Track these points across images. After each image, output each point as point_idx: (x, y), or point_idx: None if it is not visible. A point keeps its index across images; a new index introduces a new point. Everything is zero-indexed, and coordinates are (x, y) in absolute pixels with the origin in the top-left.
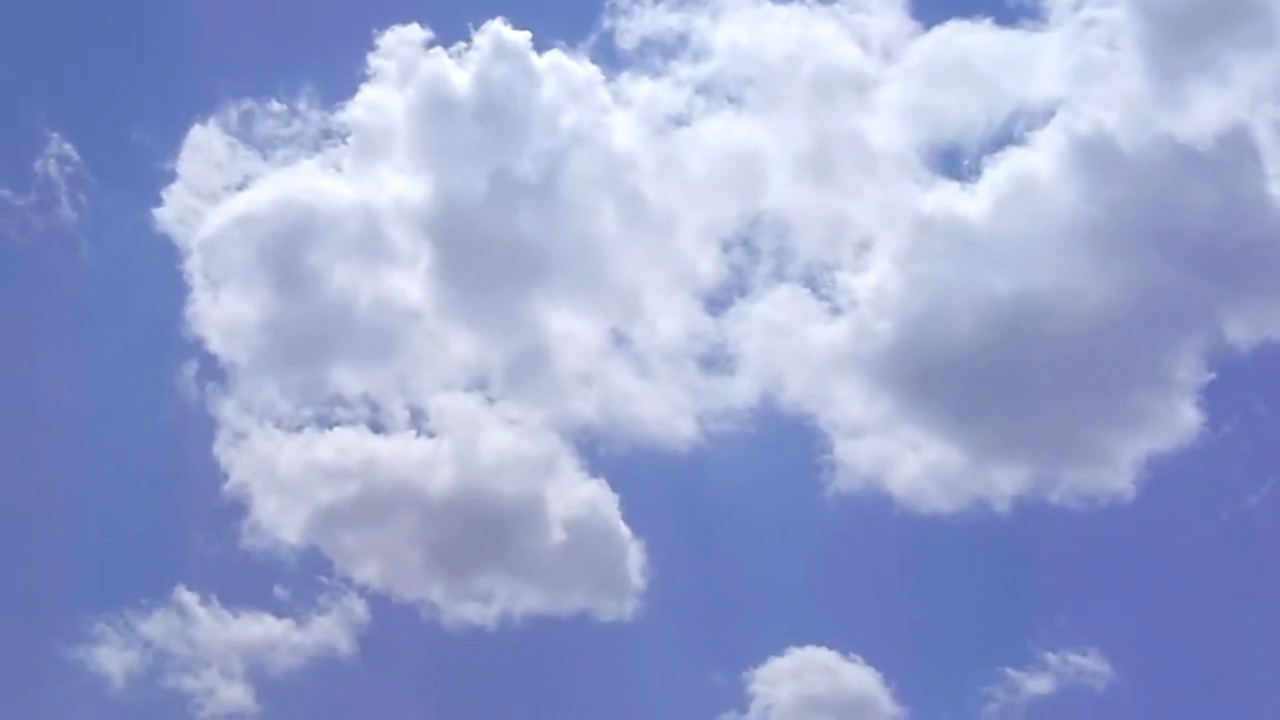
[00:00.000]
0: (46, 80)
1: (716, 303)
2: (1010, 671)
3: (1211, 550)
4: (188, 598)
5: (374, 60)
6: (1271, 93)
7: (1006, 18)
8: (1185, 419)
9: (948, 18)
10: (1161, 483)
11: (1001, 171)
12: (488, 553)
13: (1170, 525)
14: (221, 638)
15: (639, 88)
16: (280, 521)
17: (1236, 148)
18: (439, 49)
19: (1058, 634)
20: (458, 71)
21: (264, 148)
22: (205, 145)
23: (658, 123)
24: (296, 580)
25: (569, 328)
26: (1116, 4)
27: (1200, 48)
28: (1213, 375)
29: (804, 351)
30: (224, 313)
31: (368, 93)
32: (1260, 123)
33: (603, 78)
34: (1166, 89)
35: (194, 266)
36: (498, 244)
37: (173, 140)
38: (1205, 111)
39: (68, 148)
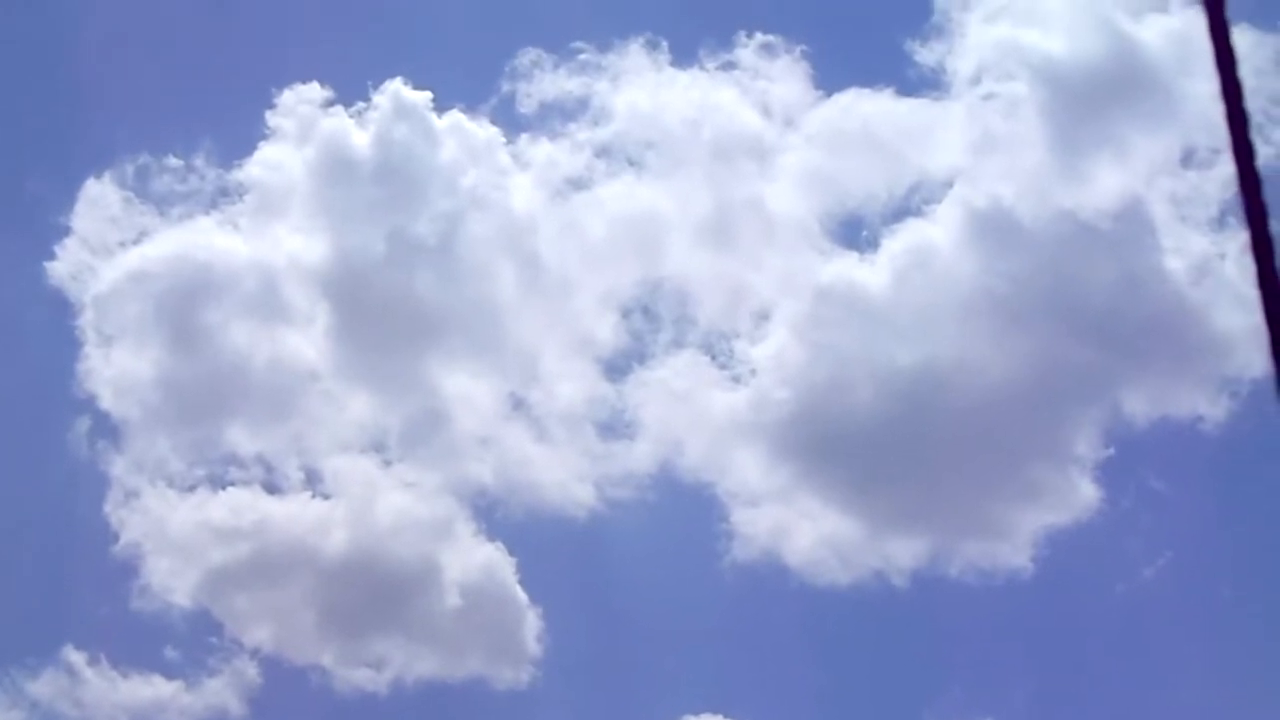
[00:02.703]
0: None
1: (615, 368)
2: None
3: (1108, 624)
4: (76, 657)
5: (273, 118)
6: (1168, 167)
7: (907, 88)
8: (1082, 493)
9: (849, 85)
10: (1059, 557)
11: (900, 242)
12: (382, 616)
13: (1067, 599)
14: (110, 699)
15: (538, 149)
16: (171, 582)
17: (1134, 222)
18: (338, 108)
19: (954, 706)
20: (357, 131)
21: (160, 203)
22: (100, 199)
23: (557, 185)
24: (187, 642)
25: (467, 390)
26: (1017, 77)
27: (1098, 121)
28: (1110, 450)
29: (703, 419)
30: (117, 370)
31: (266, 150)
32: (1157, 197)
33: (503, 139)
34: (1065, 162)
35: (87, 322)
36: (396, 305)
37: (67, 193)
38: (1103, 185)
39: None
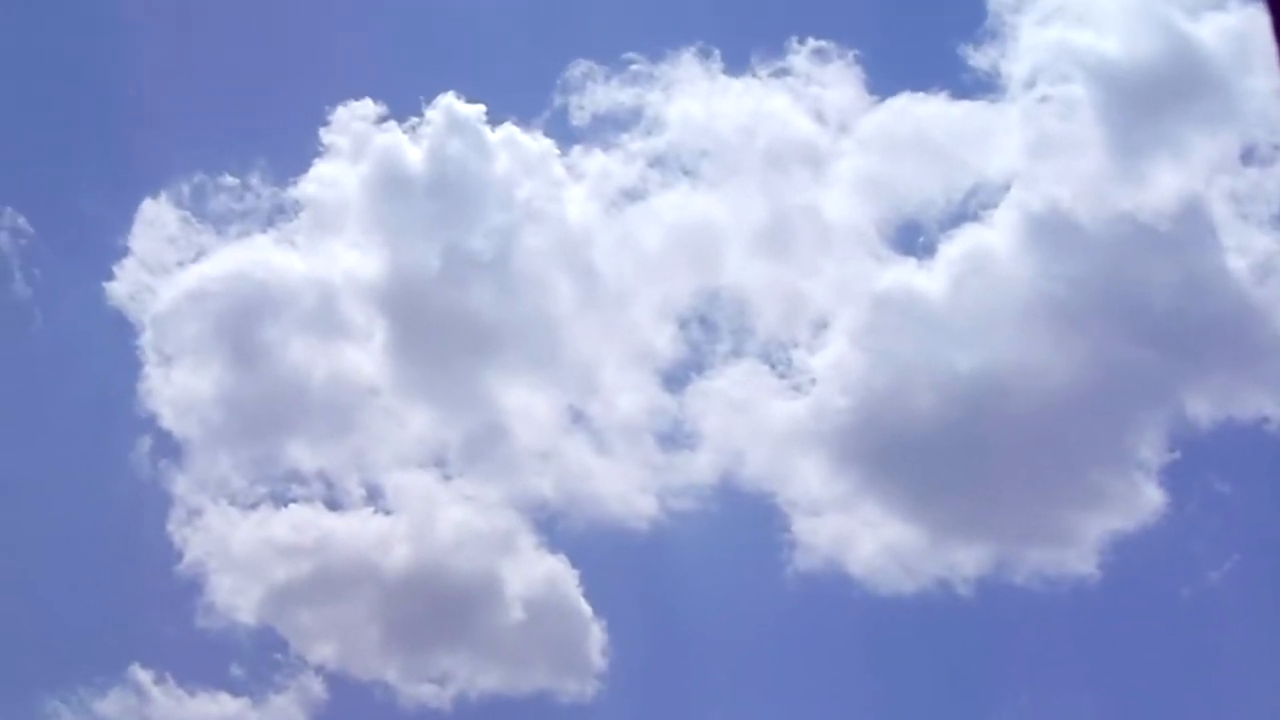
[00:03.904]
0: None
1: (674, 379)
2: None
3: (1175, 629)
4: (143, 676)
5: (327, 135)
6: (1228, 165)
7: (962, 91)
8: (1147, 498)
9: (902, 90)
10: (1124, 562)
11: (958, 247)
12: (445, 631)
13: (1133, 605)
14: (177, 716)
15: (592, 161)
16: (235, 600)
17: (1194, 221)
18: (392, 123)
19: (1021, 715)
20: (411, 146)
21: (217, 222)
22: (157, 219)
23: (612, 196)
24: (252, 659)
25: (526, 404)
26: (1072, 79)
27: (1156, 121)
28: (1175, 453)
29: (763, 429)
30: (177, 388)
31: (321, 167)
32: (1217, 196)
33: (556, 151)
34: (1123, 163)
35: (146, 342)
36: (453, 319)
37: (124, 214)
38: (1162, 185)
39: (21, 221)
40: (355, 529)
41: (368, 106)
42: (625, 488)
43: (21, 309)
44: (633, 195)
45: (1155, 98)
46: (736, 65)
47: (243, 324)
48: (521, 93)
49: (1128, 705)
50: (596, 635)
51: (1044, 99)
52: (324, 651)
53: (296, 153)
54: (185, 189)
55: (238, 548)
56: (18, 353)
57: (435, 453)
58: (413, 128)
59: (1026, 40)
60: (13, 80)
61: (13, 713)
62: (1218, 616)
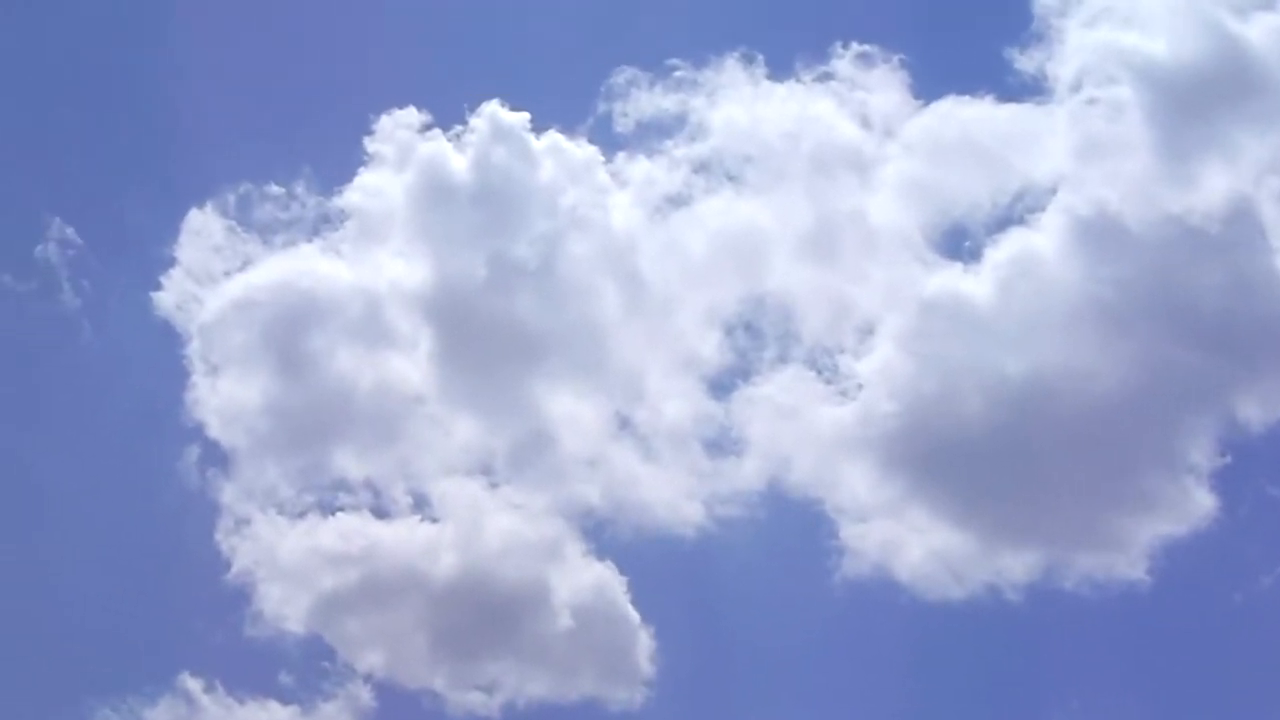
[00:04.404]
0: (46, 163)
1: (720, 386)
2: None
3: (1226, 634)
4: (192, 684)
5: (371, 144)
6: (1277, 167)
7: (1008, 94)
8: (1198, 502)
9: (948, 93)
10: (1176, 568)
11: (1004, 251)
12: (493, 639)
13: (1185, 610)
14: None
15: (636, 168)
16: (283, 609)
17: (1244, 223)
18: (436, 132)
19: (1072, 718)
20: (455, 154)
21: (263, 231)
22: (203, 229)
23: (656, 203)
24: (300, 667)
25: (572, 411)
26: (1120, 80)
27: (1204, 123)
28: (1226, 458)
29: (810, 435)
30: (224, 398)
31: (366, 176)
32: (1266, 197)
33: (601, 158)
34: (1171, 165)
35: (194, 351)
36: (498, 327)
37: (170, 224)
38: (1211, 187)
39: (69, 232)
40: (402, 537)
41: (412, 115)
42: (672, 494)
43: (70, 320)
44: (677, 201)
45: (1203, 99)
46: (780, 70)
47: (289, 333)
48: (566, 100)
49: (1179, 712)
50: (644, 642)
51: (1091, 101)
52: (372, 660)
53: (341, 162)
54: (231, 199)
55: (285, 556)
56: (66, 363)
57: (482, 460)
58: (457, 136)
59: (1073, 42)
60: (60, 92)
61: None
62: (1270, 621)
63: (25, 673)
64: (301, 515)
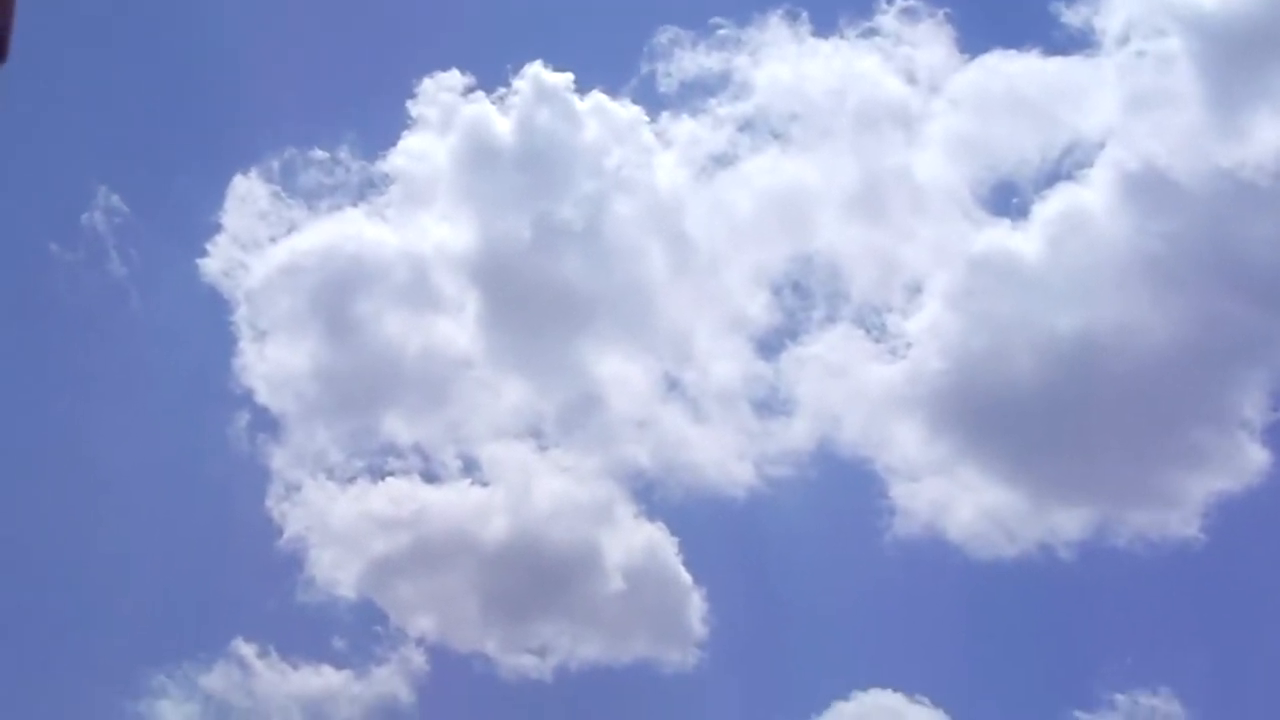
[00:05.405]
0: (92, 132)
1: (769, 346)
2: (1080, 714)
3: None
4: (246, 650)
5: (414, 108)
6: None
7: (1054, 47)
8: (1251, 457)
9: (993, 47)
10: (1229, 524)
11: (1053, 207)
12: (545, 602)
13: (1238, 562)
14: (282, 690)
15: (681, 127)
16: (335, 574)
17: None
18: (479, 94)
19: (1127, 675)
20: (499, 117)
21: (308, 197)
22: (249, 195)
23: (702, 163)
24: (353, 632)
25: (620, 373)
26: (1168, 32)
27: (1255, 74)
28: (1278, 412)
29: (859, 394)
30: (272, 364)
31: (410, 140)
32: None
33: (645, 119)
34: (1221, 118)
35: (241, 317)
36: (545, 289)
37: (216, 191)
38: (1262, 139)
39: (115, 199)
40: (453, 501)
41: (455, 78)
42: (722, 455)
43: (118, 288)
44: (723, 161)
45: (1253, 50)
46: (824, 27)
47: (336, 298)
48: (609, 60)
49: (1234, 669)
50: (696, 603)
51: (1139, 54)
52: (424, 624)
53: (385, 126)
54: (275, 165)
55: (337, 522)
56: (115, 332)
57: (531, 423)
58: (500, 98)
59: None
60: (104, 63)
61: (121, 688)
62: None
63: (81, 642)
64: (351, 480)
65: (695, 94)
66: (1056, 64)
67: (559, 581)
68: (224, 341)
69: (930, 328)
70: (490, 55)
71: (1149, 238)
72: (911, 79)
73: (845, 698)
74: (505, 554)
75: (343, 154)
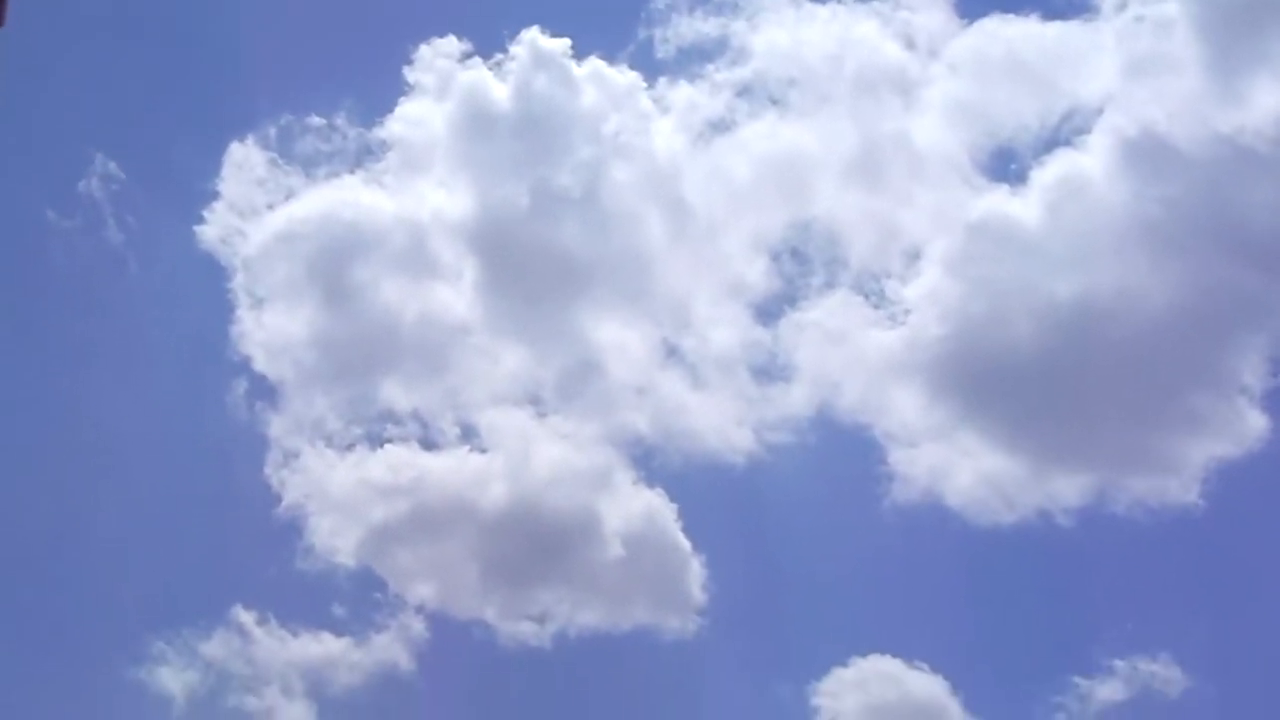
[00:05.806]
0: (88, 99)
1: (767, 312)
2: (1080, 680)
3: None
4: (246, 617)
5: (411, 74)
6: None
7: (1053, 12)
8: (1251, 423)
9: (992, 11)
10: (1228, 490)
11: (1052, 173)
12: (543, 569)
13: (1237, 528)
14: (282, 656)
15: (679, 93)
16: (334, 541)
17: None
18: (476, 60)
19: (1126, 641)
20: (496, 83)
21: (305, 164)
22: (245, 162)
23: (699, 128)
24: (352, 599)
25: (619, 339)
26: None
27: (1254, 40)
28: (1278, 378)
29: (858, 360)
30: (270, 331)
31: (407, 107)
32: None
33: (643, 84)
34: (1220, 83)
35: (238, 285)
36: (543, 256)
37: (212, 158)
38: (1261, 105)
39: (112, 166)
40: (451, 468)
41: (451, 44)
42: (721, 421)
43: (115, 255)
44: (720, 127)
45: (1254, 14)
46: None
47: (333, 265)
48: (606, 26)
49: (1233, 635)
50: (696, 570)
51: (1138, 18)
52: (423, 591)
53: (382, 92)
54: (272, 131)
55: (335, 489)
56: (112, 299)
57: (529, 390)
58: (497, 64)
59: None
60: (100, 30)
61: (121, 655)
62: None
63: (81, 609)
64: (350, 448)
65: (693, 59)
66: (1055, 29)
67: (558, 548)
68: (222, 309)
69: (929, 294)
70: (487, 21)
71: (1148, 203)
72: (910, 44)
73: (844, 664)
74: (504, 521)
75: (340, 121)
